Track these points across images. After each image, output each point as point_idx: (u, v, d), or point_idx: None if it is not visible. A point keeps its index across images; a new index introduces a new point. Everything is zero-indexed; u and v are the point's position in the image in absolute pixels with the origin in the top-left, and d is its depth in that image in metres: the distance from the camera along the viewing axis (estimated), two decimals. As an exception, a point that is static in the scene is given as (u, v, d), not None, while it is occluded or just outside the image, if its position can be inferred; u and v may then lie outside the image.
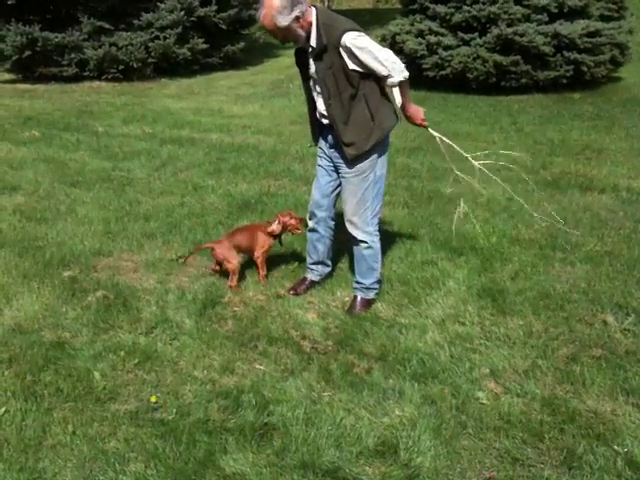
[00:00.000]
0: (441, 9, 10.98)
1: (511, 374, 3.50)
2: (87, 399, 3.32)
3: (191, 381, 3.48)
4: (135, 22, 13.12)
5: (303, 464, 2.87)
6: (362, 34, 3.62)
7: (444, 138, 4.22)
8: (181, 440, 3.03)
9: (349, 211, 4.03)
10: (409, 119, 4.01)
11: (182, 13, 13.08)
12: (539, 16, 10.61)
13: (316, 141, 4.19)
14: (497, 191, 6.33)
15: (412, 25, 11.46)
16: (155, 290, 4.45)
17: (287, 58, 14.96)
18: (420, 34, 11.22)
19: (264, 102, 11.18)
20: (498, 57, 10.46)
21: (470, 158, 4.33)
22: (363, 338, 3.85)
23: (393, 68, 3.65)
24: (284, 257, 4.85)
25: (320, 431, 3.05)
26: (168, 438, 3.04)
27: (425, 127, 4.07)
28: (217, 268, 4.60)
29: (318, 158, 4.20)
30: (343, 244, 4.62)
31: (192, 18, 13.39)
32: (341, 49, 3.59)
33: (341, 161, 3.95)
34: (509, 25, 10.45)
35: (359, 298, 4.21)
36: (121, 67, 13.01)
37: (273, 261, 4.71)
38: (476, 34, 10.77)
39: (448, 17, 10.96)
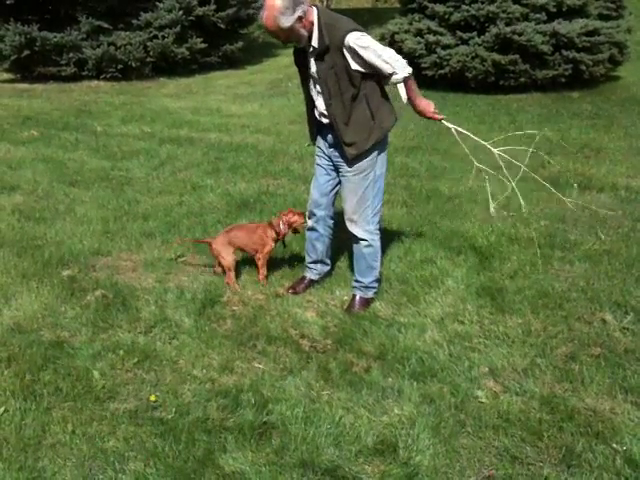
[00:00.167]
0: (440, 8, 10.98)
1: (510, 373, 3.51)
2: (86, 398, 3.32)
3: (190, 380, 3.48)
4: (134, 22, 13.11)
5: (302, 463, 2.87)
6: (365, 34, 3.63)
7: (460, 129, 4.20)
8: (180, 439, 3.03)
9: (349, 210, 4.03)
10: (420, 114, 4.00)
11: (180, 12, 13.08)
12: (538, 15, 10.61)
13: (314, 140, 4.20)
14: (497, 190, 6.33)
15: (411, 24, 11.46)
16: (154, 289, 4.45)
17: (286, 57, 14.95)
18: (419, 33, 11.22)
19: (263, 101, 11.18)
20: (497, 56, 10.46)
21: (489, 146, 4.27)
22: (362, 337, 3.85)
23: (397, 65, 3.67)
24: (283, 256, 4.85)
25: (319, 430, 3.06)
26: (167, 437, 3.04)
27: (438, 120, 4.05)
28: (219, 270, 4.60)
29: (316, 157, 4.20)
30: (342, 243, 4.62)
31: (190, 17, 13.38)
32: (344, 49, 3.60)
33: (341, 160, 3.96)
34: (508, 24, 10.45)
35: (358, 297, 4.22)
36: (120, 66, 13.00)
37: (272, 260, 4.71)
38: (475, 33, 10.77)
39: (447, 16, 10.95)
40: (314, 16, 3.62)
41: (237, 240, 4.50)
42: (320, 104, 3.88)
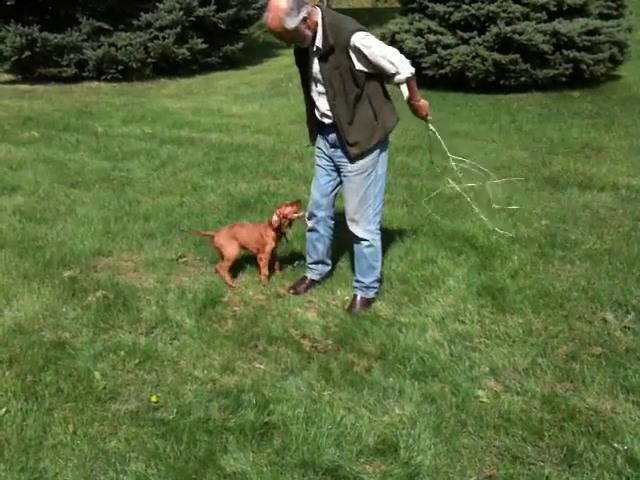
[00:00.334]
0: (440, 8, 10.99)
1: (511, 372, 3.51)
2: (88, 399, 3.33)
3: (191, 381, 3.48)
4: (134, 22, 13.12)
5: (303, 463, 2.88)
6: (369, 34, 3.65)
7: (437, 135, 4.27)
8: (182, 439, 3.03)
9: (351, 210, 4.03)
10: (415, 113, 4.03)
11: (181, 13, 13.08)
12: (538, 14, 10.62)
13: (313, 141, 4.20)
14: (497, 190, 6.33)
15: (411, 24, 11.46)
16: (155, 290, 4.45)
17: (286, 57, 14.96)
18: (419, 33, 11.22)
19: (263, 102, 11.18)
20: (497, 56, 10.46)
21: (450, 157, 4.55)
22: (363, 337, 3.85)
23: (400, 65, 3.69)
24: (284, 256, 4.85)
25: (320, 430, 3.06)
26: (169, 437, 3.04)
27: (427, 121, 4.08)
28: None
29: (317, 158, 4.20)
30: (343, 243, 4.63)
31: (191, 18, 13.39)
32: (350, 50, 3.60)
33: (343, 160, 3.96)
34: (508, 23, 10.45)
35: (359, 297, 4.22)
36: (120, 67, 13.01)
37: (273, 261, 4.71)
38: (475, 33, 10.77)
39: (447, 16, 10.96)
40: (318, 17, 3.62)
41: (238, 236, 4.51)
42: (322, 104, 3.88)
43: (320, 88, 3.83)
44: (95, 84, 13.05)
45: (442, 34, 11.01)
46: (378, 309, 4.17)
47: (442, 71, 10.98)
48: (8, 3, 12.37)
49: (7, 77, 13.73)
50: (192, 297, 4.31)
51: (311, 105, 4.01)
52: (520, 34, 10.31)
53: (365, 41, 3.59)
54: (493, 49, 10.57)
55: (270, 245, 4.46)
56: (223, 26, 13.99)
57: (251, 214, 5.67)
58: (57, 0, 12.62)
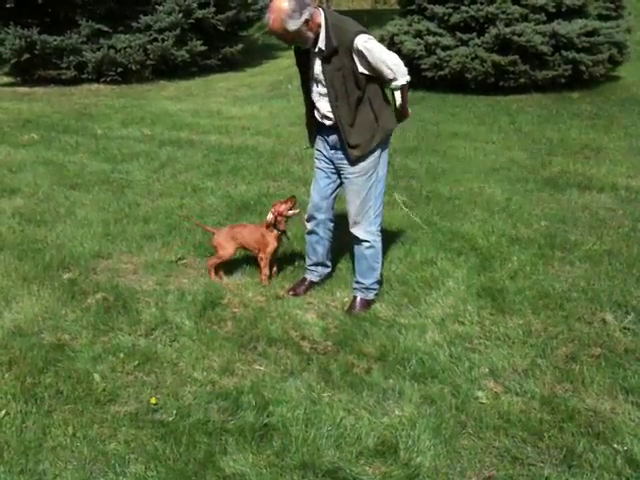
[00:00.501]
0: (439, 9, 10.99)
1: (510, 373, 3.50)
2: (87, 401, 3.32)
3: (191, 382, 3.48)
4: (133, 24, 13.14)
5: (303, 464, 2.87)
6: (371, 37, 3.66)
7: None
8: (181, 441, 3.03)
9: (353, 211, 4.04)
10: (400, 116, 4.07)
11: (180, 15, 13.09)
12: (537, 16, 10.62)
13: (313, 143, 4.20)
14: (496, 191, 6.34)
15: (410, 26, 11.46)
16: (155, 292, 4.45)
17: (286, 59, 14.97)
18: (418, 34, 11.22)
19: (263, 103, 11.19)
20: (496, 57, 10.46)
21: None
22: (363, 338, 3.85)
23: (398, 71, 3.72)
24: (284, 257, 4.85)
25: (320, 431, 3.06)
26: (168, 439, 3.04)
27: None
28: (220, 275, 4.61)
29: (316, 160, 4.20)
30: (343, 245, 4.63)
31: (190, 20, 13.40)
32: (353, 52, 3.61)
33: (344, 162, 3.96)
34: (507, 25, 10.45)
35: (359, 298, 4.22)
36: (120, 69, 13.02)
37: (272, 262, 4.71)
38: (474, 34, 10.78)
39: (446, 17, 10.96)
40: (321, 18, 3.62)
41: (239, 237, 4.52)
42: (322, 106, 3.88)
43: (321, 89, 3.83)
44: (94, 86, 13.07)
45: (441, 36, 11.02)
46: (378, 310, 4.17)
47: (441, 72, 10.98)
48: (7, 5, 12.39)
49: (6, 79, 13.74)
50: (191, 299, 4.31)
51: (311, 107, 4.01)
52: (519, 35, 10.31)
53: (367, 44, 3.60)
54: (492, 50, 10.57)
55: (272, 245, 4.45)
56: (222, 28, 13.99)
57: (251, 216, 5.68)
58: (56, 2, 12.63)
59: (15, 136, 8.88)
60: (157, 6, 13.25)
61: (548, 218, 5.62)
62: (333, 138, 3.96)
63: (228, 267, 4.69)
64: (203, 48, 13.64)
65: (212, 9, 13.56)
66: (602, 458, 2.87)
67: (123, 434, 3.10)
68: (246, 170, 7.19)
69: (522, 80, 10.73)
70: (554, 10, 10.67)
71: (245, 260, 4.80)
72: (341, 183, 4.14)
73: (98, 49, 12.78)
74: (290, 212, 4.44)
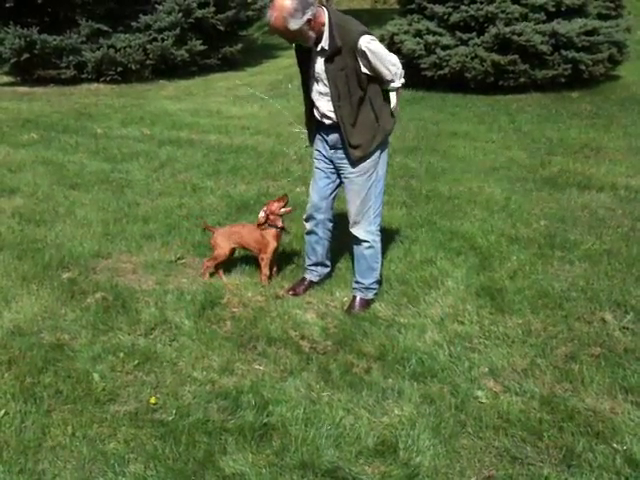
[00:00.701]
0: (439, 9, 10.98)
1: (510, 373, 3.51)
2: (86, 400, 3.33)
3: (190, 382, 3.48)
4: (133, 24, 13.13)
5: (302, 464, 2.87)
6: (374, 37, 3.67)
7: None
8: (181, 441, 3.03)
9: (353, 211, 4.03)
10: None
11: (180, 15, 13.09)
12: (537, 15, 10.61)
13: (312, 142, 4.20)
14: (496, 190, 6.34)
15: (410, 25, 11.45)
16: (154, 291, 4.45)
17: (285, 59, 14.97)
18: (418, 34, 11.21)
19: (262, 103, 11.18)
20: (496, 56, 10.46)
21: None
22: (362, 338, 3.85)
23: (396, 73, 3.75)
24: (283, 257, 4.85)
25: (319, 431, 3.06)
26: (168, 439, 3.04)
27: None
28: (220, 273, 4.62)
29: (315, 161, 4.19)
30: (342, 244, 4.63)
31: (190, 20, 13.39)
32: (357, 52, 3.61)
33: (344, 162, 3.96)
34: (507, 24, 10.45)
35: (358, 298, 4.22)
36: (119, 69, 13.01)
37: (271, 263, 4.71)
38: (474, 34, 10.77)
39: (446, 17, 10.95)
40: (325, 18, 3.62)
41: (237, 236, 4.52)
42: (322, 105, 3.88)
43: (321, 88, 3.82)
44: (94, 86, 13.06)
45: (441, 35, 11.01)
46: (377, 310, 4.17)
47: (441, 72, 10.98)
48: (7, 5, 12.38)
49: (6, 79, 13.73)
50: (191, 298, 4.31)
51: (311, 106, 4.00)
52: (519, 35, 10.30)
53: (370, 45, 3.60)
54: (492, 50, 10.56)
55: (272, 245, 4.45)
56: (222, 28, 13.98)
57: (250, 216, 5.66)
58: (56, 2, 12.62)
59: (15, 136, 8.88)
60: (157, 6, 13.25)
61: (547, 217, 5.62)
62: (333, 137, 3.96)
63: (227, 267, 4.69)
64: (203, 48, 13.63)
65: (212, 9, 13.55)
66: (601, 458, 2.87)
67: (122, 434, 3.10)
68: (246, 170, 7.19)
69: (522, 79, 10.73)
70: (554, 9, 10.66)
71: (244, 260, 4.80)
72: (340, 183, 4.14)
73: (98, 49, 12.77)
74: (282, 210, 4.44)
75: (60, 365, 3.62)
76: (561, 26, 10.49)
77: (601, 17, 11.31)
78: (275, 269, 4.63)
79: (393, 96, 3.90)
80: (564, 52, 10.56)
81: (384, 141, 3.95)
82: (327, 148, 4.04)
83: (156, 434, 3.08)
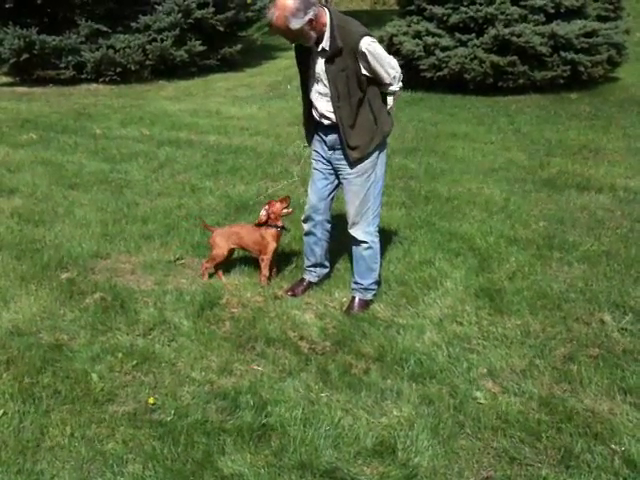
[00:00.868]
0: (438, 10, 10.99)
1: (509, 374, 3.51)
2: (85, 401, 3.32)
3: (189, 382, 3.48)
4: (132, 25, 13.13)
5: (301, 464, 2.87)
6: (375, 39, 3.68)
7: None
8: (179, 441, 3.03)
9: (352, 212, 4.03)
10: None
11: (179, 15, 13.09)
12: (536, 16, 10.62)
13: (310, 142, 4.20)
14: (495, 191, 6.35)
15: (409, 26, 11.46)
16: (153, 292, 4.45)
17: (285, 60, 14.97)
18: (417, 35, 11.22)
19: (262, 104, 11.19)
20: (495, 58, 10.47)
21: None
22: (361, 339, 3.85)
23: (395, 77, 3.75)
24: (282, 258, 4.85)
25: (318, 431, 3.06)
26: (166, 439, 3.04)
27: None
28: (220, 273, 4.62)
29: (314, 162, 4.19)
30: (341, 245, 4.63)
31: (189, 20, 13.40)
32: (357, 54, 3.61)
33: (343, 163, 3.96)
34: (506, 26, 10.46)
35: (357, 299, 4.22)
36: (118, 69, 13.01)
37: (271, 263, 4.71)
38: (473, 35, 10.78)
39: (445, 18, 10.96)
40: (326, 18, 3.61)
41: (236, 237, 4.51)
42: (321, 105, 3.88)
43: (321, 88, 3.82)
44: (93, 86, 13.06)
45: (440, 36, 11.02)
46: (376, 311, 4.17)
47: (440, 73, 10.99)
48: (6, 5, 12.38)
49: (5, 79, 13.73)
50: (190, 299, 4.31)
51: (309, 106, 4.00)
52: (518, 36, 10.32)
53: (371, 47, 3.60)
54: (491, 51, 10.57)
55: (272, 245, 4.44)
56: (221, 28, 13.99)
57: (249, 216, 5.67)
58: (55, 2, 12.62)
59: (14, 136, 8.87)
60: (156, 6, 13.25)
61: (546, 219, 5.62)
62: (331, 138, 3.96)
63: (226, 267, 4.69)
64: (202, 48, 13.63)
65: (211, 9, 13.56)
66: (600, 458, 2.87)
67: (121, 434, 3.10)
68: (245, 170, 7.19)
69: (521, 81, 10.74)
70: (553, 11, 10.68)
71: (243, 260, 4.80)
72: (339, 184, 4.14)
73: (97, 49, 12.77)
74: (284, 211, 4.45)
75: (59, 365, 3.62)
76: (560, 27, 10.51)
77: (600, 19, 11.32)
78: (274, 270, 4.62)
79: (390, 99, 3.92)
80: (563, 53, 10.57)
81: (382, 142, 3.96)
82: (325, 149, 4.04)
83: (155, 434, 3.08)
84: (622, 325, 3.93)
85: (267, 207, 4.43)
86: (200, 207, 6.02)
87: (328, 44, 3.64)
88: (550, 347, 3.73)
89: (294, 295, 4.38)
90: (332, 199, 4.25)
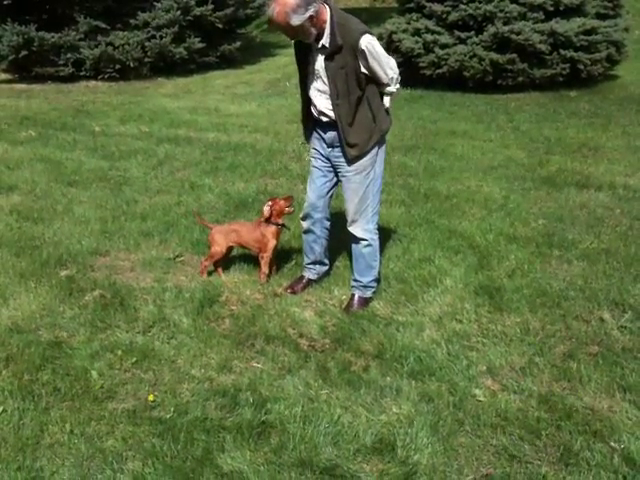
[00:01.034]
0: (437, 7, 10.97)
1: (508, 371, 3.51)
2: (85, 398, 3.32)
3: (189, 379, 3.48)
4: (131, 21, 13.09)
5: (301, 462, 2.88)
6: (374, 38, 3.67)
7: None
8: (179, 438, 3.03)
9: (351, 210, 4.03)
10: None
11: (178, 12, 13.05)
12: (535, 14, 10.61)
13: (308, 139, 4.19)
14: (494, 189, 6.35)
15: (408, 24, 11.44)
16: (152, 289, 4.45)
17: (284, 57, 14.95)
18: (416, 33, 11.20)
19: (261, 101, 11.17)
20: (494, 55, 10.45)
21: None
22: (360, 336, 3.86)
23: (392, 78, 3.76)
24: (282, 255, 4.85)
25: (317, 429, 3.06)
26: (166, 436, 3.04)
27: None
28: (220, 271, 4.62)
29: (312, 159, 4.19)
30: (340, 242, 4.63)
31: (188, 17, 13.35)
32: (357, 52, 3.60)
33: (341, 160, 3.95)
34: (505, 23, 10.45)
35: (357, 296, 4.22)
36: (117, 66, 12.97)
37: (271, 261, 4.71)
38: (472, 32, 10.76)
39: (444, 15, 10.95)
40: (327, 15, 3.61)
41: (234, 235, 4.51)
42: (320, 102, 3.87)
43: (320, 85, 3.82)
44: (92, 83, 13.03)
45: (439, 34, 11.00)
46: (375, 308, 4.17)
47: (439, 71, 10.97)
48: (5, 2, 12.34)
49: (4, 76, 13.69)
50: (189, 296, 4.31)
51: (308, 102, 4.00)
52: (517, 34, 10.30)
53: (370, 45, 3.60)
54: (490, 49, 10.56)
55: (272, 243, 4.43)
56: (220, 25, 13.95)
57: (248, 213, 5.67)
58: (54, -1, 12.61)
59: (12, 133, 8.86)
60: (155, 3, 13.20)
61: (546, 216, 5.62)
62: (330, 135, 3.95)
63: (226, 265, 4.69)
64: (201, 45, 13.59)
65: (210, 6, 13.51)
66: (599, 456, 2.88)
67: (121, 431, 3.10)
68: (244, 167, 7.18)
69: (520, 79, 10.73)
70: (552, 9, 10.66)
71: (243, 258, 4.80)
72: (338, 181, 4.14)
73: (96, 46, 12.73)
74: (287, 210, 4.45)
75: (58, 362, 3.62)
76: (559, 25, 10.50)
77: (599, 16, 11.30)
78: (274, 267, 4.62)
79: (387, 99, 3.91)
80: (562, 51, 10.56)
81: (381, 139, 3.95)
82: (324, 146, 4.04)
83: (154, 432, 3.08)
84: (621, 323, 3.93)
85: (270, 203, 4.42)
86: (199, 204, 6.02)
87: (328, 41, 3.63)
88: (549, 345, 3.73)
89: (293, 293, 4.38)
90: (331, 196, 4.24)
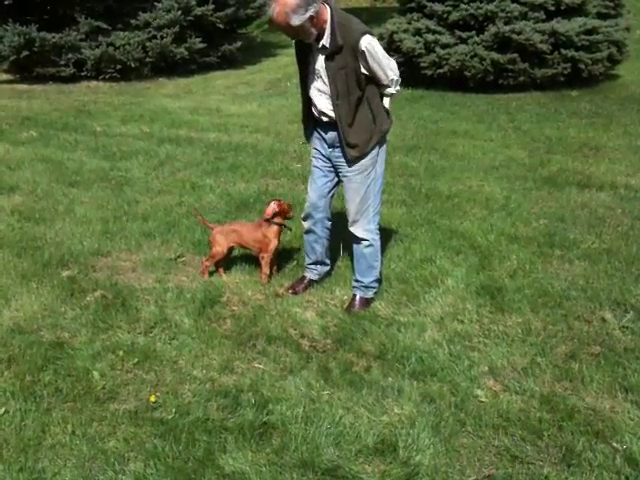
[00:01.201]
0: (438, 7, 10.97)
1: (510, 372, 3.51)
2: (86, 399, 3.33)
3: (190, 380, 3.48)
4: (132, 22, 13.09)
5: (302, 463, 2.88)
6: (375, 38, 3.67)
7: None
8: (180, 439, 3.03)
9: (353, 210, 4.03)
10: None
11: (179, 12, 13.05)
12: (536, 14, 10.60)
13: (308, 138, 4.19)
14: (495, 189, 6.34)
15: (409, 24, 11.44)
16: (154, 289, 4.45)
17: (285, 57, 14.95)
18: (417, 32, 11.20)
19: (262, 101, 11.17)
20: (495, 55, 10.45)
21: None
22: (362, 336, 3.85)
23: (392, 80, 3.75)
24: (283, 256, 4.85)
25: (319, 430, 3.06)
26: (167, 437, 3.04)
27: None
28: (221, 271, 4.62)
29: (313, 159, 4.19)
30: (342, 243, 4.62)
31: (189, 17, 13.36)
32: (357, 52, 3.60)
33: (342, 161, 3.95)
34: (506, 23, 10.44)
35: (358, 297, 4.22)
36: (118, 67, 12.98)
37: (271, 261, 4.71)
38: (473, 32, 10.76)
39: (445, 15, 10.94)
40: (328, 15, 3.61)
41: (235, 235, 4.51)
42: (320, 102, 3.87)
43: (320, 85, 3.82)
44: (93, 83, 13.03)
45: (440, 34, 10.99)
46: (377, 309, 4.17)
47: (440, 70, 10.97)
48: (6, 2, 12.35)
49: (5, 77, 13.70)
50: (191, 297, 4.31)
51: (308, 102, 4.00)
52: (518, 34, 10.30)
53: (370, 46, 3.60)
54: (491, 49, 10.55)
55: (273, 243, 4.43)
56: (221, 25, 13.95)
57: (250, 214, 5.67)
58: (55, 0, 12.58)
59: (14, 133, 8.86)
60: (156, 3, 13.20)
61: (547, 216, 5.62)
62: (331, 135, 3.95)
63: (227, 265, 4.69)
64: (202, 45, 13.59)
65: (211, 6, 13.52)
66: (601, 457, 2.87)
67: (122, 432, 3.10)
68: (245, 168, 7.18)
69: (521, 78, 10.72)
70: (553, 8, 10.65)
71: (244, 258, 4.80)
72: (338, 181, 4.14)
73: (97, 46, 12.74)
74: (288, 212, 4.47)
75: (60, 363, 3.62)
76: (560, 25, 10.49)
77: (600, 16, 11.29)
78: (275, 268, 4.62)
79: (387, 100, 3.91)
80: (563, 51, 10.56)
81: (381, 139, 3.95)
82: (325, 146, 4.04)
83: (156, 432, 3.08)
84: (623, 323, 3.93)
85: (276, 202, 4.41)
86: (200, 205, 6.02)
87: (328, 41, 3.63)
88: (551, 345, 3.73)
89: (295, 293, 4.38)
90: (332, 197, 4.24)
